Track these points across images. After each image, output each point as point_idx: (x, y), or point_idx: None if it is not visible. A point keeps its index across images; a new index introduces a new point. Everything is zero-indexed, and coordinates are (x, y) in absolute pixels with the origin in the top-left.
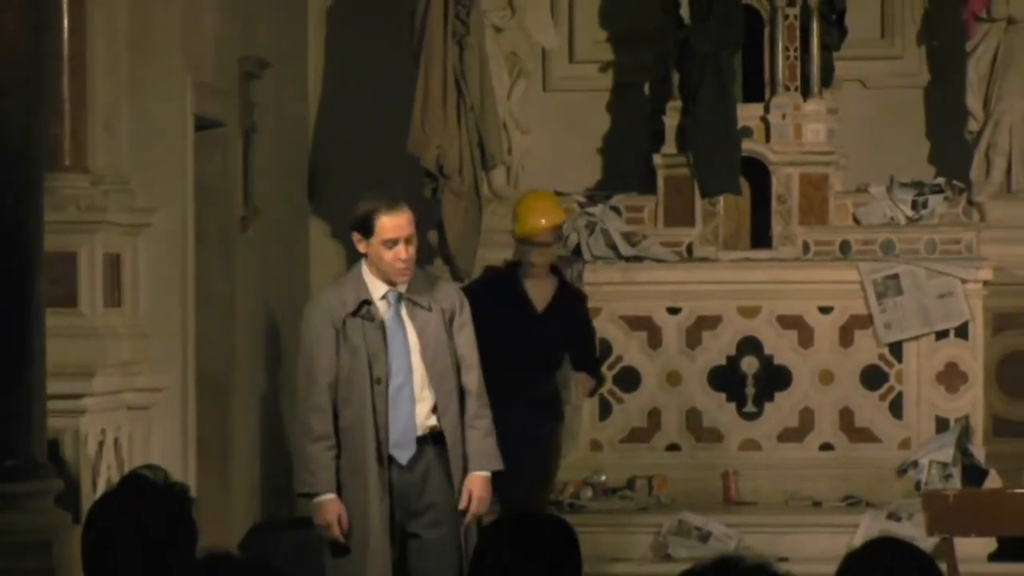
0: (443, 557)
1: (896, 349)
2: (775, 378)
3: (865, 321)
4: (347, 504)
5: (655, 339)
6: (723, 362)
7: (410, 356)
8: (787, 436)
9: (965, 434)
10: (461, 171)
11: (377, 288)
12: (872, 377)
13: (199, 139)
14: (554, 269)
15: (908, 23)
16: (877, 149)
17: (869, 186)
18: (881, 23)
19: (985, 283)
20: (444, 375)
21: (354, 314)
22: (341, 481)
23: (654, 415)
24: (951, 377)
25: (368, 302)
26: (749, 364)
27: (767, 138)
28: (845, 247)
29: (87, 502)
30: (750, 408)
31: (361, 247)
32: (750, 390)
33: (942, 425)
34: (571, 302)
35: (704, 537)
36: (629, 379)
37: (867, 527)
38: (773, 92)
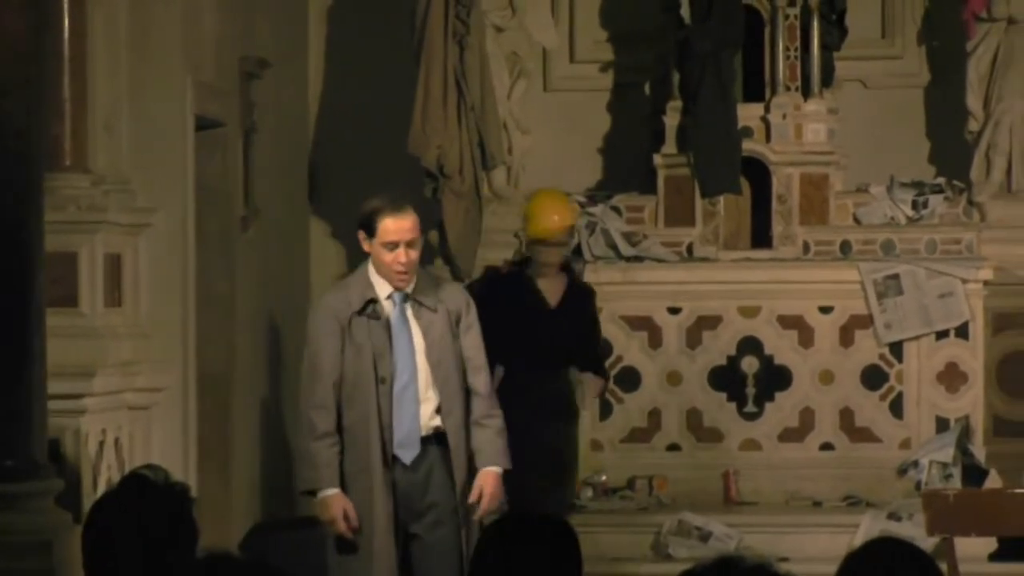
0: (444, 557)
1: (896, 349)
2: (775, 378)
3: (865, 321)
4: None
5: (655, 339)
6: (723, 362)
7: (415, 356)
8: (787, 436)
9: (965, 434)
10: (461, 171)
11: (383, 288)
12: (872, 377)
13: (199, 139)
14: (563, 266)
15: (908, 23)
16: (877, 149)
17: (869, 186)
18: (881, 23)
19: (985, 283)
20: (449, 376)
21: (360, 313)
22: (345, 481)
23: (654, 415)
24: (951, 377)
25: (374, 301)
26: (749, 364)
27: (767, 138)
28: (845, 247)
29: (87, 502)
30: (750, 408)
31: (365, 246)
32: (750, 390)
33: (942, 425)
34: (581, 298)
35: (704, 537)
36: (629, 379)
37: (867, 527)
38: (773, 92)
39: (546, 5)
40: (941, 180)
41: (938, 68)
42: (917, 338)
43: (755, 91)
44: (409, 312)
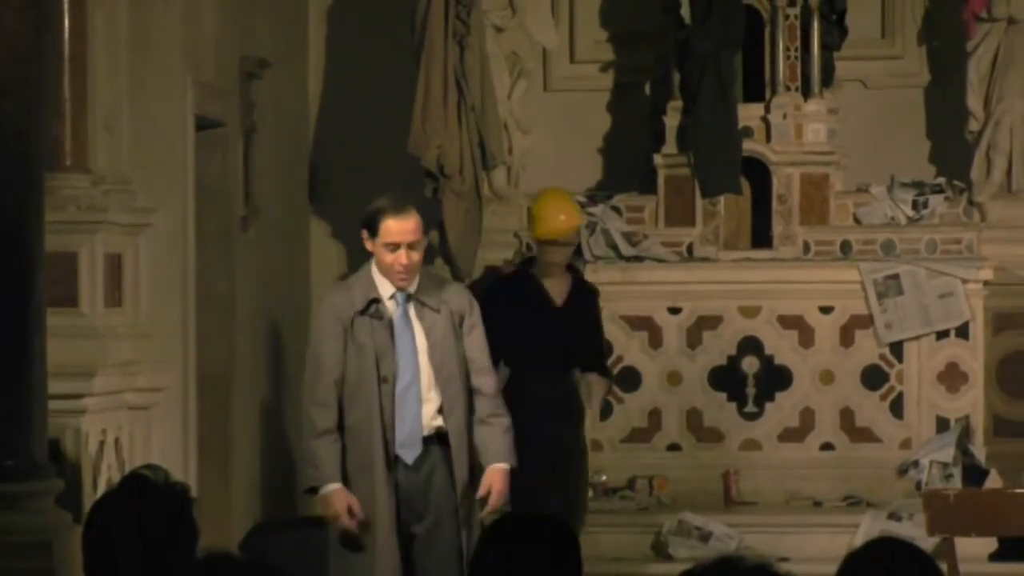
0: (445, 558)
1: (897, 349)
2: (776, 378)
3: (866, 321)
4: None
5: (656, 339)
6: (724, 362)
7: (417, 356)
8: (788, 436)
9: (966, 434)
10: (462, 171)
11: (386, 287)
12: (873, 377)
13: (199, 139)
14: (568, 266)
15: (909, 23)
16: (878, 149)
17: (870, 186)
18: (882, 23)
19: (986, 283)
20: (451, 377)
21: (363, 313)
22: (348, 481)
23: (655, 415)
24: (952, 377)
25: (377, 301)
26: (750, 364)
27: (768, 138)
28: (846, 247)
29: (88, 502)
30: (751, 408)
31: (368, 245)
32: (751, 390)
33: (943, 425)
34: (586, 298)
35: (705, 537)
36: (630, 379)
37: (868, 527)
38: (774, 92)
39: (546, 5)
40: (941, 180)
41: (938, 68)
42: (917, 338)
43: (755, 91)
44: (412, 312)
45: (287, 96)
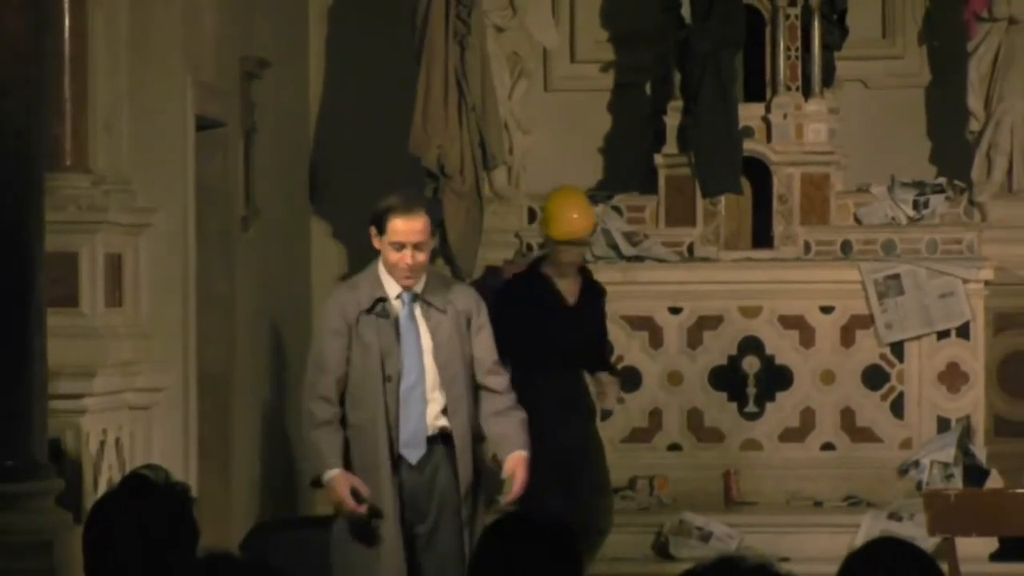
0: (447, 558)
1: (897, 349)
2: (776, 378)
3: (866, 321)
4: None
5: (656, 339)
6: (724, 362)
7: (422, 356)
8: (788, 436)
9: (966, 434)
10: (462, 171)
11: (392, 287)
12: (873, 377)
13: (200, 139)
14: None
15: (909, 23)
16: (878, 149)
17: (870, 186)
18: (882, 23)
19: (986, 283)
20: (456, 377)
21: (368, 311)
22: None
23: (655, 415)
24: (952, 377)
25: (383, 299)
26: (750, 364)
27: (768, 138)
28: (846, 247)
29: (88, 502)
30: (751, 408)
31: (375, 243)
32: (751, 390)
33: (943, 425)
34: (595, 297)
35: (705, 537)
36: (630, 379)
37: (868, 527)
38: (774, 92)
39: (547, 5)
40: (942, 180)
41: (939, 68)
42: (918, 338)
43: (756, 91)
44: (418, 312)
45: (287, 96)
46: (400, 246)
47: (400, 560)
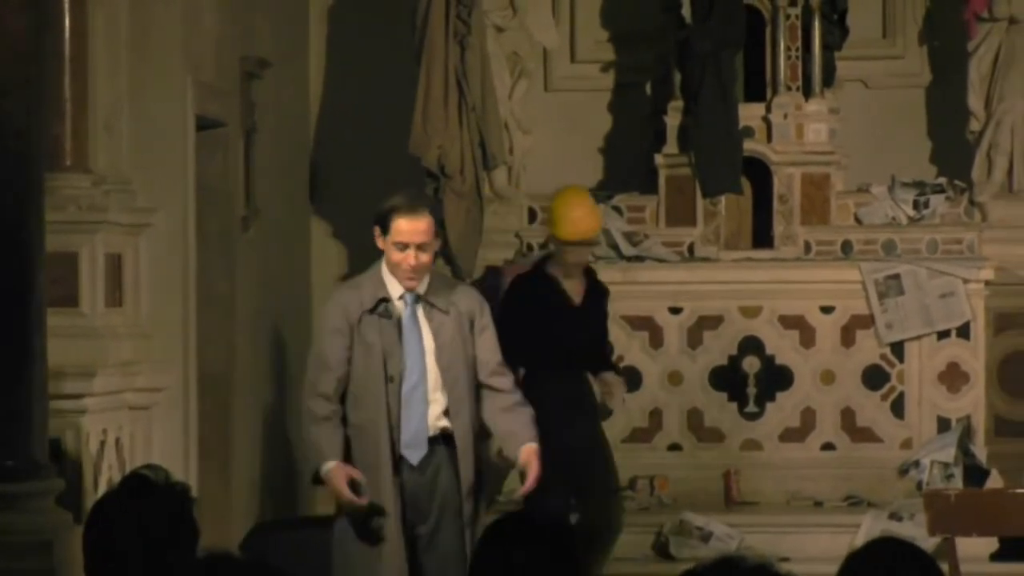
0: (448, 559)
1: (898, 349)
2: (776, 378)
3: (867, 321)
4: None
5: (656, 339)
6: (724, 362)
7: (424, 357)
8: (788, 436)
9: (967, 434)
10: (462, 171)
11: (395, 287)
12: (873, 377)
13: (200, 139)
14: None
15: (910, 23)
16: (879, 149)
17: (871, 186)
18: (883, 23)
19: (987, 283)
20: (458, 378)
21: (371, 311)
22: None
23: (655, 415)
24: (953, 377)
25: (386, 300)
26: (750, 364)
27: (769, 138)
28: (847, 247)
29: (88, 502)
30: (751, 408)
31: (379, 242)
32: (751, 390)
33: (944, 425)
34: (600, 297)
35: (705, 537)
36: (631, 379)
37: (868, 527)
38: (775, 92)
39: (547, 5)
40: (942, 180)
41: (939, 68)
42: (918, 338)
43: (756, 91)
44: (420, 313)
45: (287, 96)
46: (404, 246)
47: (401, 560)
